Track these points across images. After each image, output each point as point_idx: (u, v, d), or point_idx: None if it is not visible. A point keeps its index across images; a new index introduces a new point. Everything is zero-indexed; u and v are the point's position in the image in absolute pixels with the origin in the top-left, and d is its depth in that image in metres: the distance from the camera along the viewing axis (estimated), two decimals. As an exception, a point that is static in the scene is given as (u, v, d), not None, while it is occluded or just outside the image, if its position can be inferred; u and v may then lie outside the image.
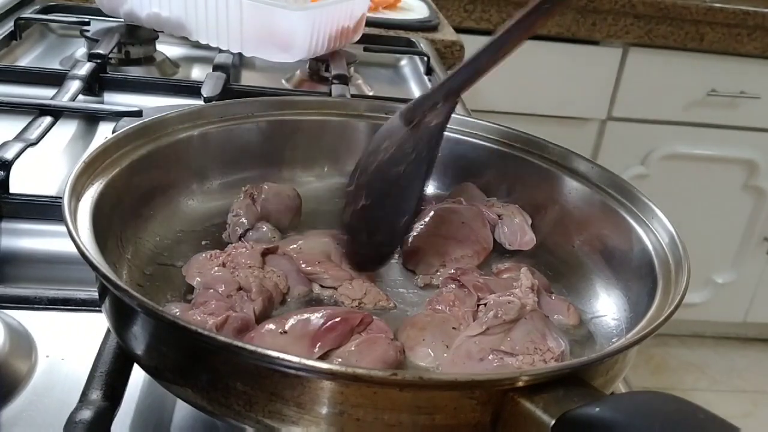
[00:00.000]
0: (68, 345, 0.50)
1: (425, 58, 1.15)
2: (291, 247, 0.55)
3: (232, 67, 0.97)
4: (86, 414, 0.39)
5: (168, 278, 0.52)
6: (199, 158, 0.60)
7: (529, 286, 0.50)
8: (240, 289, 0.48)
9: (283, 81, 1.06)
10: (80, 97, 0.86)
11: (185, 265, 0.52)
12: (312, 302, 0.52)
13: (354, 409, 0.35)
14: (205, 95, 0.85)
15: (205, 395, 0.37)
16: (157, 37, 1.05)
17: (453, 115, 0.68)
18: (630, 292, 0.53)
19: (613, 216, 0.56)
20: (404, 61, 1.20)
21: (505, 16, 1.76)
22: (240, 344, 0.34)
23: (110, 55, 0.96)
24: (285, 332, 0.44)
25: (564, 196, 0.61)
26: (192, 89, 0.90)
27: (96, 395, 0.41)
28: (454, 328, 0.48)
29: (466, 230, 0.60)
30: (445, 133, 0.66)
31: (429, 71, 1.13)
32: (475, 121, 0.67)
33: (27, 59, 1.03)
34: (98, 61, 0.92)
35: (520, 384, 0.35)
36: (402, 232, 0.54)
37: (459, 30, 1.44)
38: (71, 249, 0.40)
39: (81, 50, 1.05)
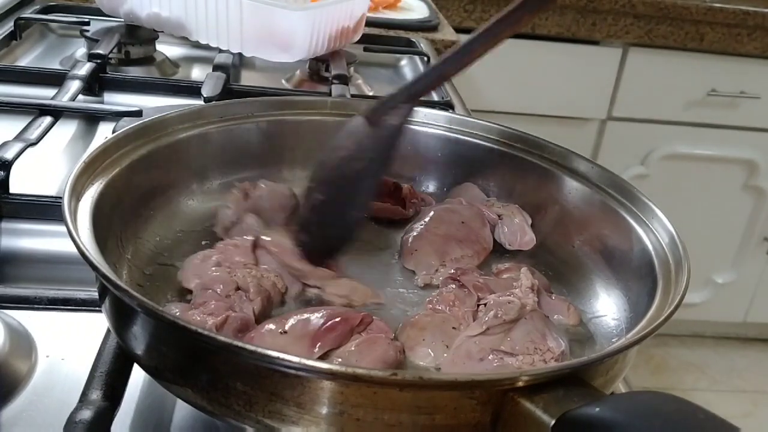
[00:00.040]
0: (68, 345, 0.50)
1: (425, 58, 1.15)
2: (274, 239, 0.55)
3: (232, 67, 0.97)
4: (86, 414, 0.39)
5: (168, 278, 0.52)
6: (199, 158, 0.60)
7: (529, 286, 0.50)
8: (238, 289, 0.48)
9: (283, 81, 1.06)
10: (80, 97, 0.86)
11: (180, 270, 0.52)
12: (311, 302, 0.52)
13: (354, 409, 0.35)
14: (205, 95, 0.85)
15: (205, 395, 0.37)
16: (157, 37, 1.05)
17: (453, 115, 0.69)
18: (630, 292, 0.53)
19: (613, 216, 0.56)
20: (404, 61, 1.20)
21: (505, 16, 1.75)
22: (240, 344, 0.34)
23: (110, 55, 0.96)
24: (285, 332, 0.44)
25: (564, 196, 0.61)
26: (192, 89, 0.90)
27: (96, 395, 0.41)
28: (454, 328, 0.48)
29: (466, 230, 0.60)
30: (445, 133, 0.67)
31: (429, 71, 1.13)
32: (475, 121, 0.67)
33: (27, 59, 1.03)
34: (98, 61, 0.92)
35: (520, 384, 0.35)
36: (353, 227, 0.54)
37: (459, 30, 1.44)
38: (71, 249, 0.40)
39: (81, 50, 1.05)
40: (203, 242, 0.57)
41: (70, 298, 0.50)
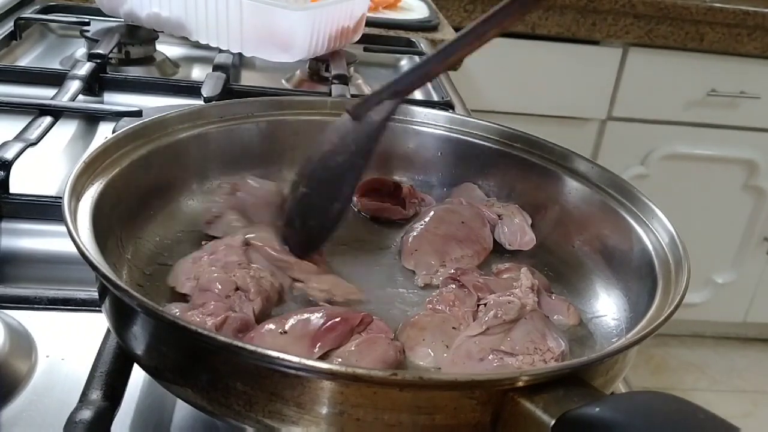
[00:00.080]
0: (68, 345, 0.50)
1: (425, 58, 1.15)
2: (258, 235, 0.55)
3: (232, 67, 0.97)
4: (86, 414, 0.39)
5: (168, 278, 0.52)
6: (199, 158, 0.60)
7: (529, 286, 0.50)
8: (237, 289, 0.48)
9: (283, 81, 1.06)
10: (80, 97, 0.86)
11: (170, 276, 0.51)
12: (311, 302, 0.52)
13: (354, 409, 0.35)
14: (205, 95, 0.85)
15: (205, 395, 0.37)
16: (157, 37, 1.05)
17: (453, 115, 0.69)
18: (630, 292, 0.53)
19: (613, 216, 0.56)
20: (404, 61, 1.20)
21: (505, 16, 1.75)
22: (240, 344, 0.34)
23: (110, 55, 0.96)
24: (285, 332, 0.44)
25: (564, 196, 0.61)
26: (192, 89, 0.90)
27: (96, 395, 0.41)
28: (454, 328, 0.48)
29: (466, 230, 0.60)
30: (445, 133, 0.67)
31: (429, 71, 1.13)
32: (475, 121, 0.67)
33: (27, 59, 1.03)
34: (98, 61, 0.92)
35: (520, 384, 0.35)
36: (334, 219, 0.55)
37: (459, 30, 1.43)
38: (71, 249, 0.40)
39: (81, 50, 1.05)
40: (203, 242, 0.56)
41: (70, 298, 0.50)
